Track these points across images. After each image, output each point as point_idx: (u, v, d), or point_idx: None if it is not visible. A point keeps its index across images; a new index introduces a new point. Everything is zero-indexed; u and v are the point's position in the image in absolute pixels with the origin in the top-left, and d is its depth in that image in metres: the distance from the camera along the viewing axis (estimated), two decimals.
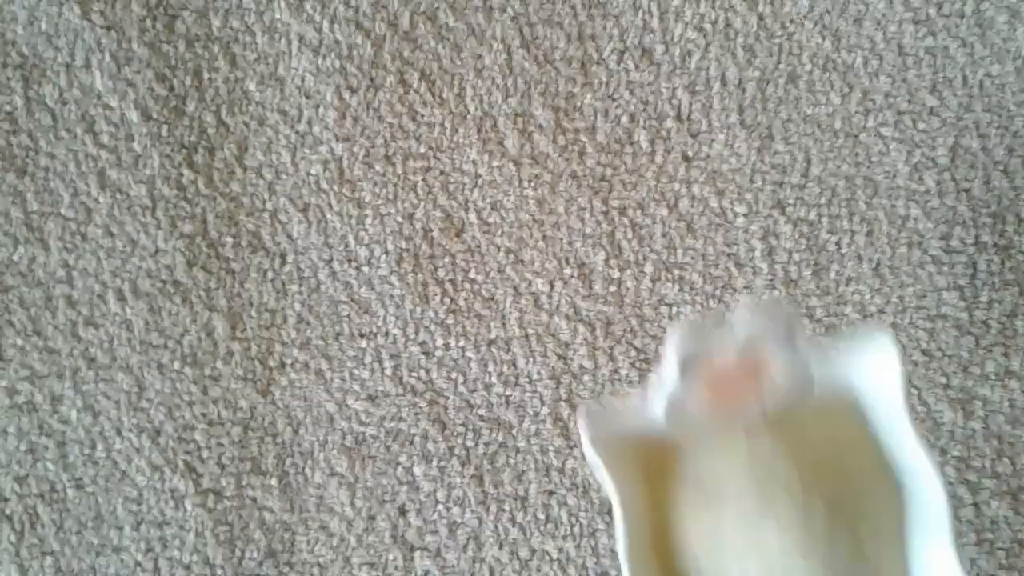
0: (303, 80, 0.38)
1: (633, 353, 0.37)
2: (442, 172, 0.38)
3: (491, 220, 0.38)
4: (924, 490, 0.25)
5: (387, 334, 0.38)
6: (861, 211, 0.37)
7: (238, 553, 0.37)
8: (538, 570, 0.37)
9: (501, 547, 0.37)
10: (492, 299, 0.38)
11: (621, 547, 0.25)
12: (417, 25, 0.38)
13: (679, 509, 0.27)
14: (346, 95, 0.38)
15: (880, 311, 0.37)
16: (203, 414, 0.38)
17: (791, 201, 0.38)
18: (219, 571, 0.37)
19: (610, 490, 0.25)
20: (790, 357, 0.25)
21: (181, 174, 0.38)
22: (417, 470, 0.37)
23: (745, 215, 0.38)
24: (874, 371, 0.26)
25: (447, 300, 0.38)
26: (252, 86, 0.38)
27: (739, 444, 0.27)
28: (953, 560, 0.24)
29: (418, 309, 0.38)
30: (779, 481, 0.26)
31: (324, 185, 0.38)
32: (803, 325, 0.27)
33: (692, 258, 0.37)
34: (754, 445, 0.27)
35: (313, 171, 0.38)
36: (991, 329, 0.37)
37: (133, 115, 0.38)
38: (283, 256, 0.38)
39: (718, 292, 0.37)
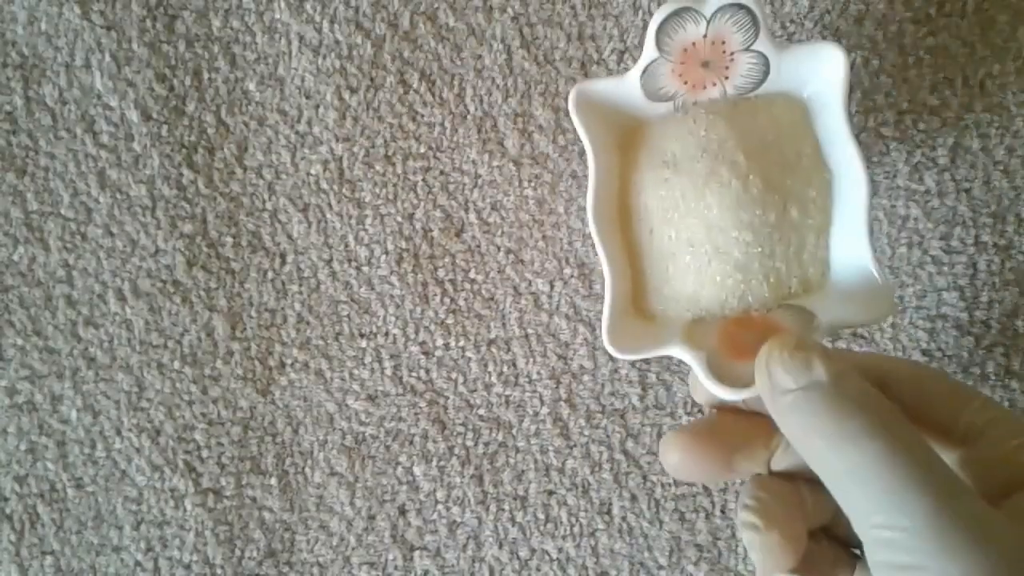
0: (303, 80, 0.38)
1: None
2: (442, 172, 0.38)
3: (491, 220, 0.38)
4: (850, 183, 0.30)
5: (387, 334, 0.38)
6: None
7: (238, 553, 0.37)
8: (538, 570, 0.37)
9: (501, 547, 0.37)
10: (492, 299, 0.38)
11: (589, 199, 0.30)
12: (417, 25, 0.38)
13: (641, 174, 0.31)
14: (346, 95, 0.38)
15: None
16: (203, 414, 0.38)
17: None
18: (219, 571, 0.37)
19: (587, 151, 0.30)
20: (753, 45, 0.30)
21: (181, 174, 0.38)
22: (417, 470, 0.37)
23: None
24: (823, 76, 0.30)
25: (447, 300, 0.38)
26: (252, 86, 0.38)
27: (699, 119, 0.31)
28: (865, 241, 0.29)
29: (418, 309, 0.38)
30: (726, 155, 0.30)
31: (324, 185, 0.38)
32: (768, 20, 0.30)
33: None
34: (711, 121, 0.31)
35: (313, 171, 0.38)
36: (991, 329, 0.37)
37: (133, 115, 0.38)
38: (283, 256, 0.38)
39: None
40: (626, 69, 0.37)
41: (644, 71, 0.30)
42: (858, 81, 0.37)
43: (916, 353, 0.37)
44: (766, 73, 0.31)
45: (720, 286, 0.31)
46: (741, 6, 0.29)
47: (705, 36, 0.30)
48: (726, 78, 0.31)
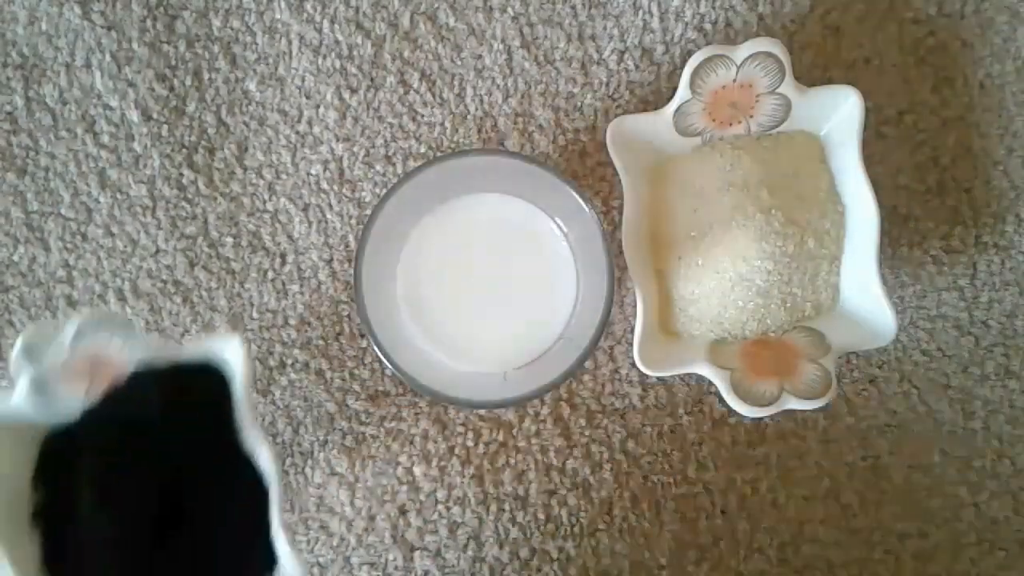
0: (303, 80, 0.38)
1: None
2: None
3: None
4: (862, 217, 0.32)
5: None
6: None
7: None
8: (538, 570, 0.37)
9: (501, 547, 0.37)
10: None
11: (624, 226, 0.32)
12: (417, 25, 0.38)
13: (671, 204, 0.33)
14: (346, 95, 0.38)
15: None
16: None
17: None
18: None
19: (623, 181, 0.32)
20: (778, 88, 0.32)
21: (181, 174, 0.38)
22: (417, 470, 0.37)
23: None
24: (840, 116, 0.32)
25: None
26: (252, 86, 0.38)
27: (725, 154, 0.33)
28: (874, 271, 0.32)
29: None
30: (751, 190, 0.32)
31: (324, 185, 0.38)
32: (790, 67, 0.32)
33: None
34: (736, 156, 0.33)
35: (313, 171, 0.38)
36: (991, 329, 0.37)
37: (133, 115, 0.38)
38: (283, 256, 0.38)
39: None
40: (626, 70, 0.38)
41: (677, 110, 0.32)
42: (859, 80, 0.38)
43: (916, 353, 0.37)
44: (787, 113, 0.33)
45: (742, 310, 0.33)
46: (769, 54, 0.31)
47: (735, 80, 0.32)
48: (751, 116, 0.33)
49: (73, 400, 0.30)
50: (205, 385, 0.29)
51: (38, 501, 0.30)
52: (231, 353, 0.29)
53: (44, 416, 0.30)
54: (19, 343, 0.29)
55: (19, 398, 0.29)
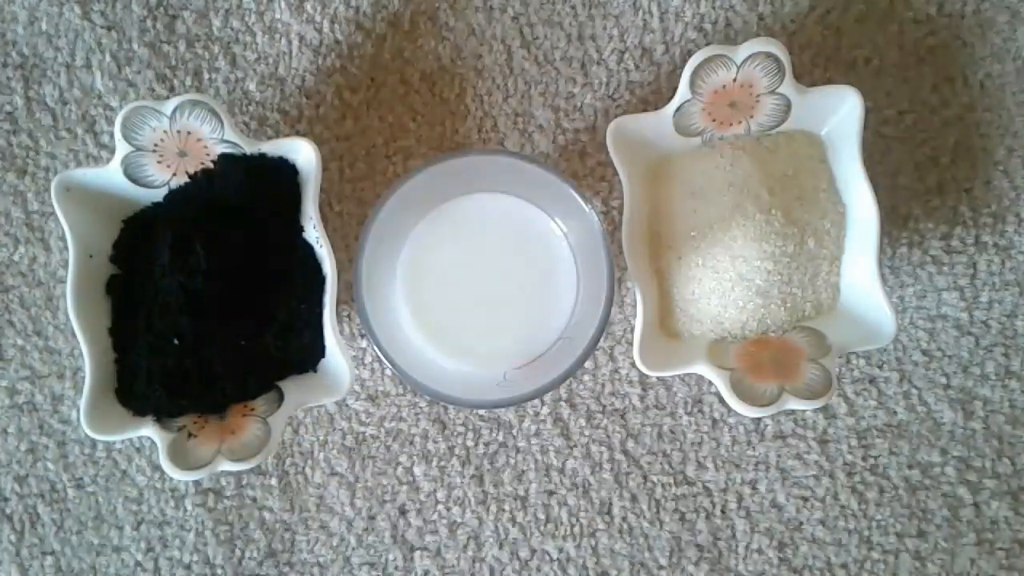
0: (303, 80, 0.38)
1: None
2: None
3: None
4: (862, 217, 0.32)
5: None
6: None
7: (238, 553, 0.37)
8: (538, 570, 0.37)
9: (501, 547, 0.37)
10: None
11: (624, 227, 0.32)
12: (417, 25, 0.38)
13: (671, 204, 0.34)
14: (346, 95, 0.38)
15: None
16: None
17: None
18: (219, 571, 0.37)
19: (623, 181, 0.32)
20: (778, 88, 0.32)
21: None
22: (417, 470, 0.37)
23: None
24: (839, 116, 0.33)
25: None
26: (252, 86, 0.38)
27: (725, 154, 0.33)
28: (874, 271, 0.32)
29: None
30: (751, 190, 0.32)
31: (324, 185, 0.38)
32: (790, 67, 0.32)
33: None
34: (736, 156, 0.33)
35: None
36: (991, 329, 0.37)
37: None
38: None
39: None
40: (626, 70, 0.38)
41: (677, 110, 0.32)
42: (859, 81, 0.38)
43: (916, 353, 0.37)
44: (787, 113, 0.33)
45: (742, 310, 0.33)
46: (769, 54, 0.31)
47: (735, 80, 0.32)
48: (751, 116, 0.33)
49: (161, 178, 0.32)
50: (281, 176, 0.32)
51: (113, 274, 0.33)
52: (304, 154, 0.31)
53: (134, 193, 0.32)
54: (119, 119, 0.31)
55: (113, 171, 0.32)
